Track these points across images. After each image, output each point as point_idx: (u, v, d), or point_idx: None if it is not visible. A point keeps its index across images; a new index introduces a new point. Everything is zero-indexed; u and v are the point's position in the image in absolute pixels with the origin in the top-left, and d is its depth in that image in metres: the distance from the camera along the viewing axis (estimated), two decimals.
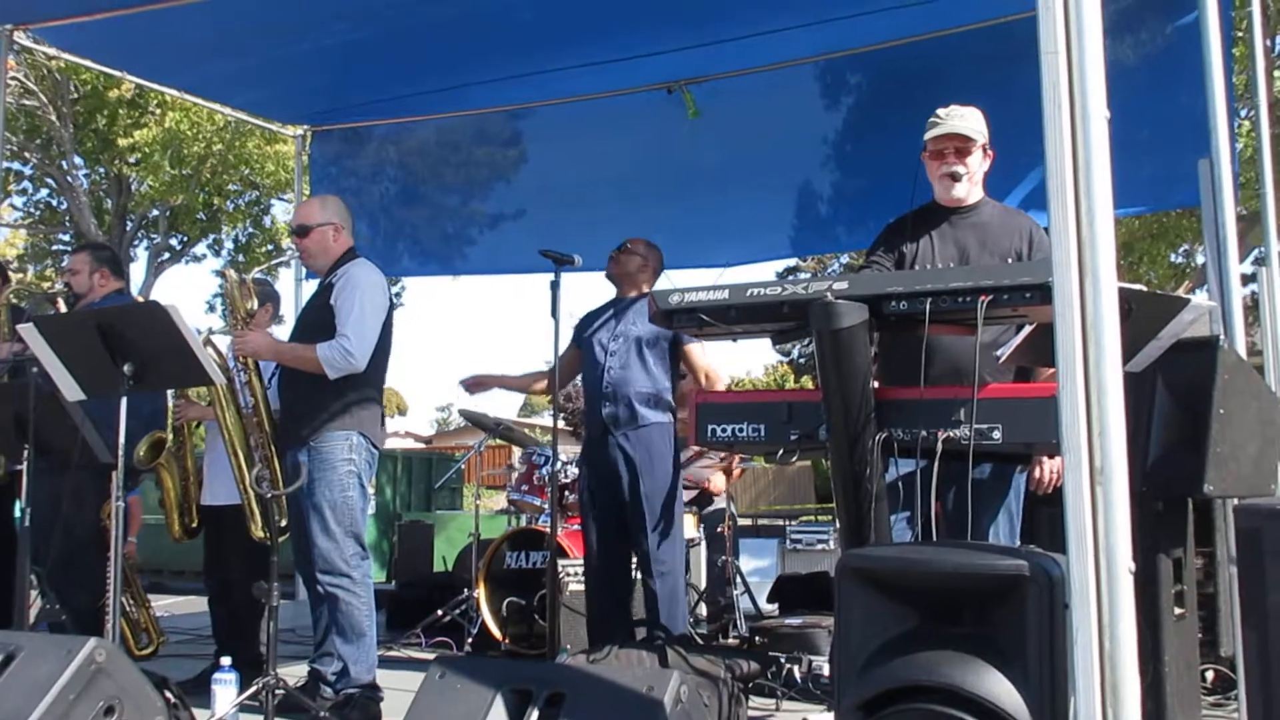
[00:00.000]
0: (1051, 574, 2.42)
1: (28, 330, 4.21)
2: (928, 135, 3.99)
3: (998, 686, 2.41)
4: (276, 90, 7.57)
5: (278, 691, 4.11)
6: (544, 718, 2.97)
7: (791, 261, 25.99)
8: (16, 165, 21.15)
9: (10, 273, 6.17)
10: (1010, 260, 3.83)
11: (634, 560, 5.28)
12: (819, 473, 21.31)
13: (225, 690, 4.10)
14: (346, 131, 8.30)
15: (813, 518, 14.67)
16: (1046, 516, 4.27)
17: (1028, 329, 3.22)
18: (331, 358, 4.55)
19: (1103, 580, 2.21)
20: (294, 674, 4.69)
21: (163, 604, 7.99)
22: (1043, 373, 3.68)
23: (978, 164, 3.98)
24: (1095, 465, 2.24)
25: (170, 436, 5.28)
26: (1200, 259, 18.39)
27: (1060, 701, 2.38)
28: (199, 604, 6.15)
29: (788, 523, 8.91)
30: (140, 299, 7.87)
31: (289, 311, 8.25)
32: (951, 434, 3.00)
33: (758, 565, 7.77)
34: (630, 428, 5.15)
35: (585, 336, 5.42)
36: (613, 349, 5.25)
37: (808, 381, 27.81)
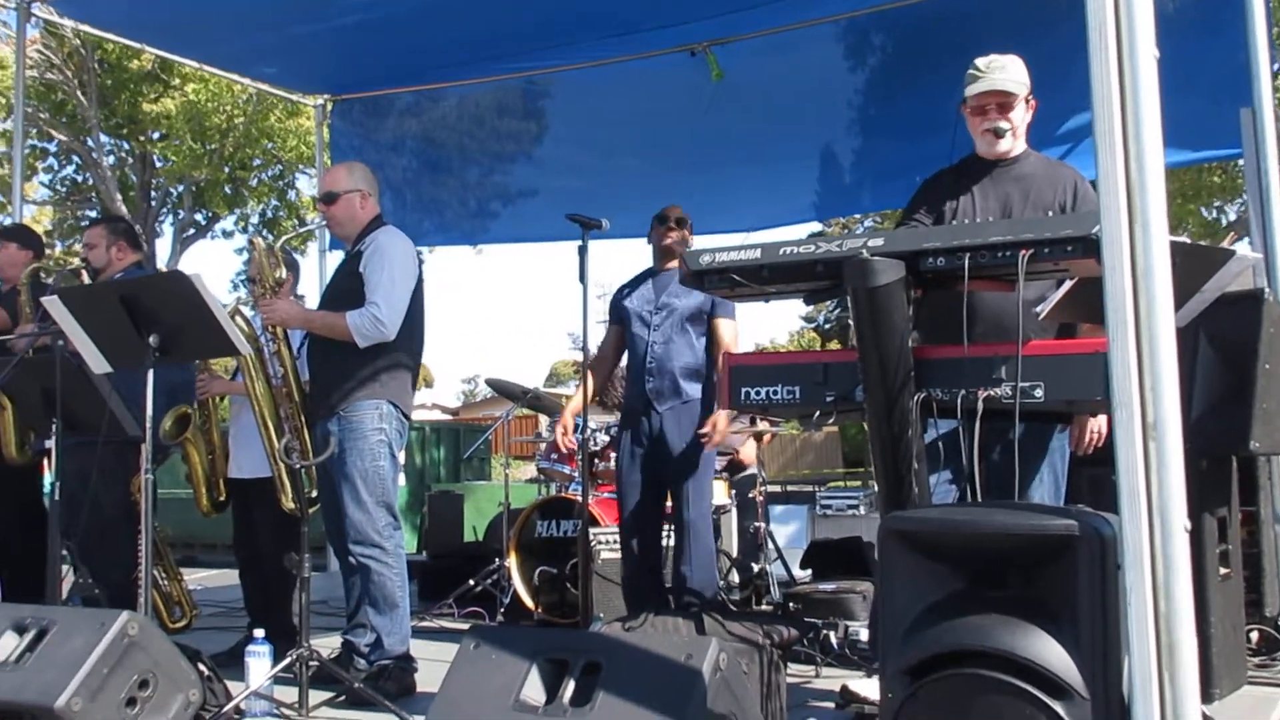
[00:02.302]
0: (1103, 534, 2.35)
1: (52, 303, 4.18)
2: (969, 90, 3.84)
3: (1048, 650, 2.36)
4: (295, 60, 7.52)
5: (312, 663, 4.11)
6: (581, 687, 2.92)
7: (816, 226, 25.81)
8: (42, 143, 21.20)
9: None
10: (1054, 213, 3.72)
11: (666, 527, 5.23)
12: (846, 439, 21.22)
13: (259, 662, 4.09)
14: (367, 101, 8.24)
15: (841, 483, 14.62)
16: (1087, 477, 4.20)
17: (1069, 283, 3.14)
18: (362, 325, 4.51)
19: (1157, 539, 2.16)
20: (327, 645, 4.67)
21: (195, 577, 8.01)
22: (1085, 328, 3.59)
23: (1021, 117, 3.86)
24: (1148, 420, 2.18)
25: (195, 411, 5.25)
26: (1232, 215, 18.18)
27: (1113, 664, 2.32)
28: (231, 577, 6.14)
29: (817, 489, 8.85)
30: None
31: (314, 283, 8.24)
32: (992, 392, 2.92)
33: (788, 531, 7.74)
34: (674, 401, 5.08)
35: (625, 310, 5.31)
36: (655, 322, 5.15)
37: (834, 346, 27.67)
